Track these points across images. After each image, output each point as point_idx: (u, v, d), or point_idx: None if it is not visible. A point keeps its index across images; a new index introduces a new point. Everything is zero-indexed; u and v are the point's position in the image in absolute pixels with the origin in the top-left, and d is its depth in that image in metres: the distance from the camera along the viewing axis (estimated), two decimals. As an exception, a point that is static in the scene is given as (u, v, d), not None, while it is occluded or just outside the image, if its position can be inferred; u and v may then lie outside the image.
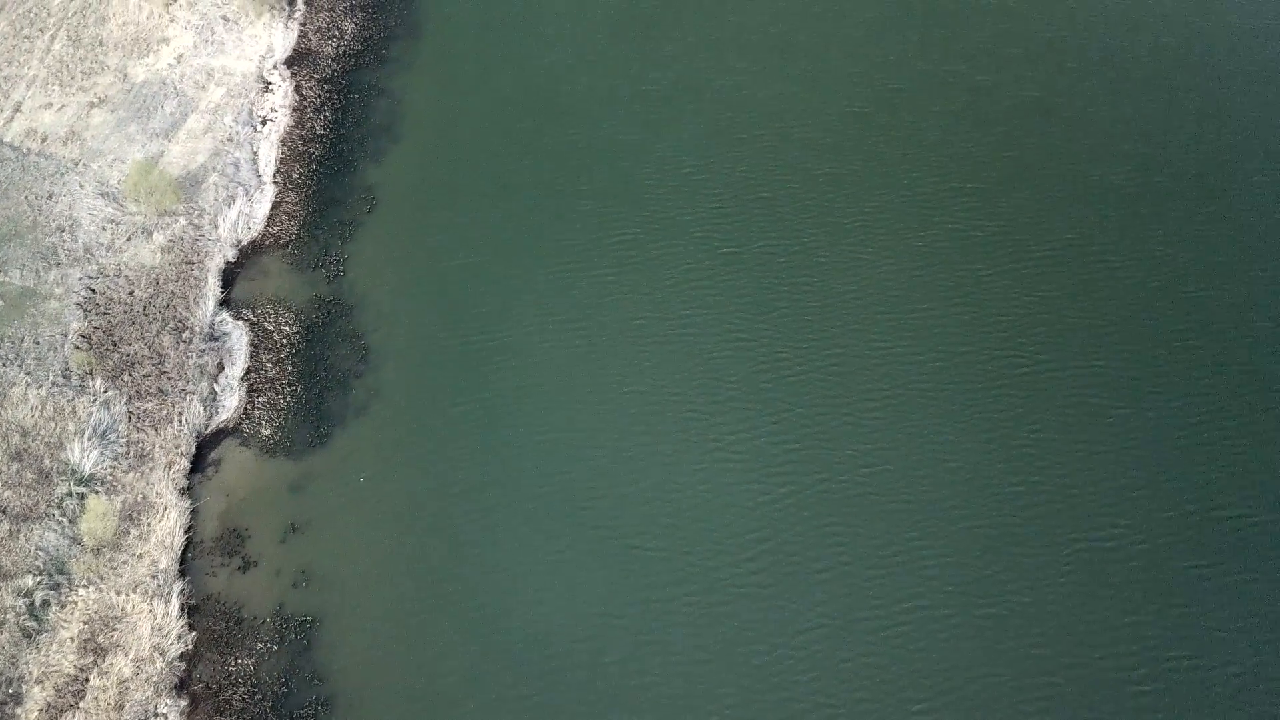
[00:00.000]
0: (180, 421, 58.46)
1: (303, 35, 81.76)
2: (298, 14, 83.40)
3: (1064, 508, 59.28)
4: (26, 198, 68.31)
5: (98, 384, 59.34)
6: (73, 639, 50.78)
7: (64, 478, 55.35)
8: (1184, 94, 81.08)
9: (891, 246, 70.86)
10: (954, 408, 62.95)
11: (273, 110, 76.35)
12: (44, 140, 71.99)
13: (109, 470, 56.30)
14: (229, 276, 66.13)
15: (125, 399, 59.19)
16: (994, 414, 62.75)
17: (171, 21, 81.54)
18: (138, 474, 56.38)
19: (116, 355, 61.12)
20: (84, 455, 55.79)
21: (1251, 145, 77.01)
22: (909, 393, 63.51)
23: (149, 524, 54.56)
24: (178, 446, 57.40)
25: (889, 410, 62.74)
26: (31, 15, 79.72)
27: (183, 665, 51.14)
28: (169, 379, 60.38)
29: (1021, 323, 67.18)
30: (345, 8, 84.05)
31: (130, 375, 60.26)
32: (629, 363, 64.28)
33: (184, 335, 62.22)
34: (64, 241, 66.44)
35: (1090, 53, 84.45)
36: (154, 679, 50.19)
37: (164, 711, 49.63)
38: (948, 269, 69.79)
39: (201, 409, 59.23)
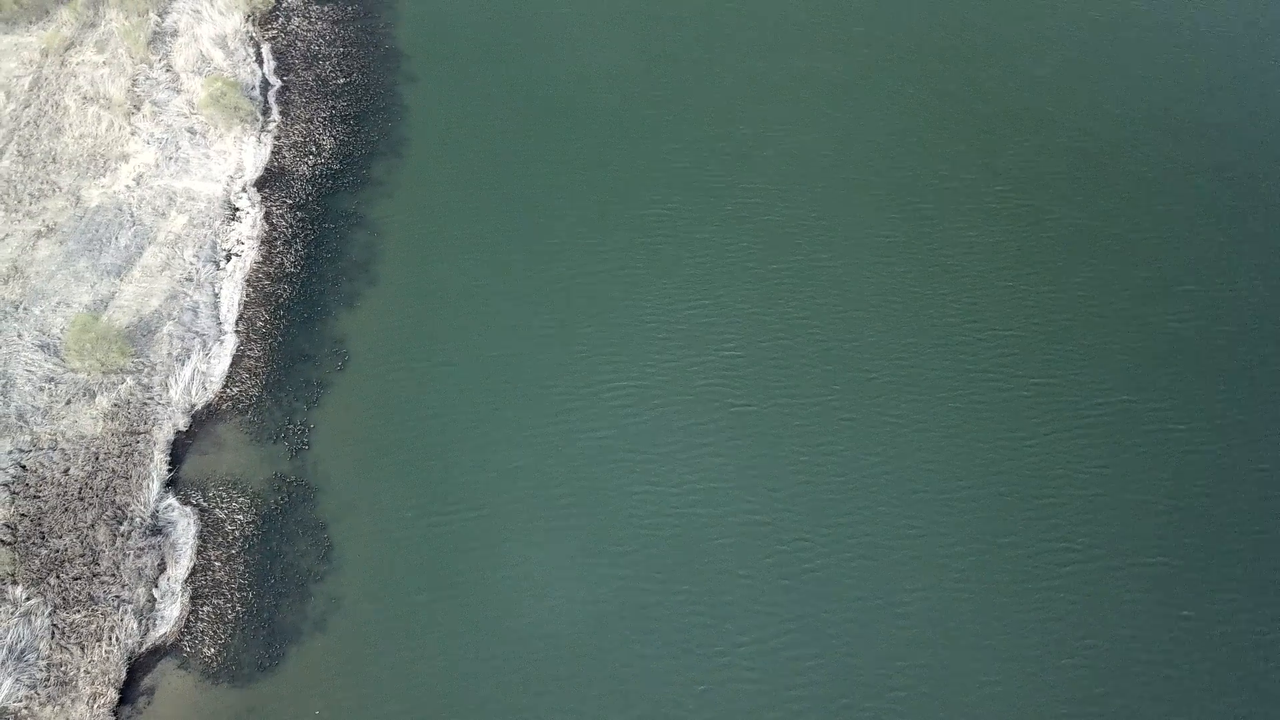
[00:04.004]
0: (111, 640, 50.89)
1: (276, 151, 74.56)
2: (271, 126, 76.29)
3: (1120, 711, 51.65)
4: (-44, 353, 61.28)
5: (19, 591, 51.87)
6: None
7: (-29, 716, 47.93)
8: (1248, 220, 73.32)
9: (925, 409, 63.04)
10: (997, 607, 55.08)
11: (239, 242, 69.09)
12: (-18, 280, 65.05)
13: (23, 702, 48.72)
14: (179, 449, 58.62)
15: (49, 609, 51.67)
16: (1043, 618, 54.81)
17: (133, 134, 74.61)
18: (56, 707, 48.77)
19: (44, 552, 53.66)
20: (-4, 686, 48.41)
21: (1327, 289, 69.36)
22: (948, 591, 55.65)
23: (66, 776, 47.09)
24: (105, 674, 49.78)
25: (926, 608, 54.92)
26: (-22, 131, 73.00)
27: None
28: (102, 583, 52.88)
29: (1072, 505, 59.29)
30: (324, 119, 76.97)
31: (58, 578, 52.76)
32: (626, 552, 56.50)
33: (122, 527, 54.75)
34: (-5, 406, 59.26)
35: (1139, 168, 76.86)
36: None
37: None
38: (989, 436, 61.95)
39: (136, 624, 51.62)
